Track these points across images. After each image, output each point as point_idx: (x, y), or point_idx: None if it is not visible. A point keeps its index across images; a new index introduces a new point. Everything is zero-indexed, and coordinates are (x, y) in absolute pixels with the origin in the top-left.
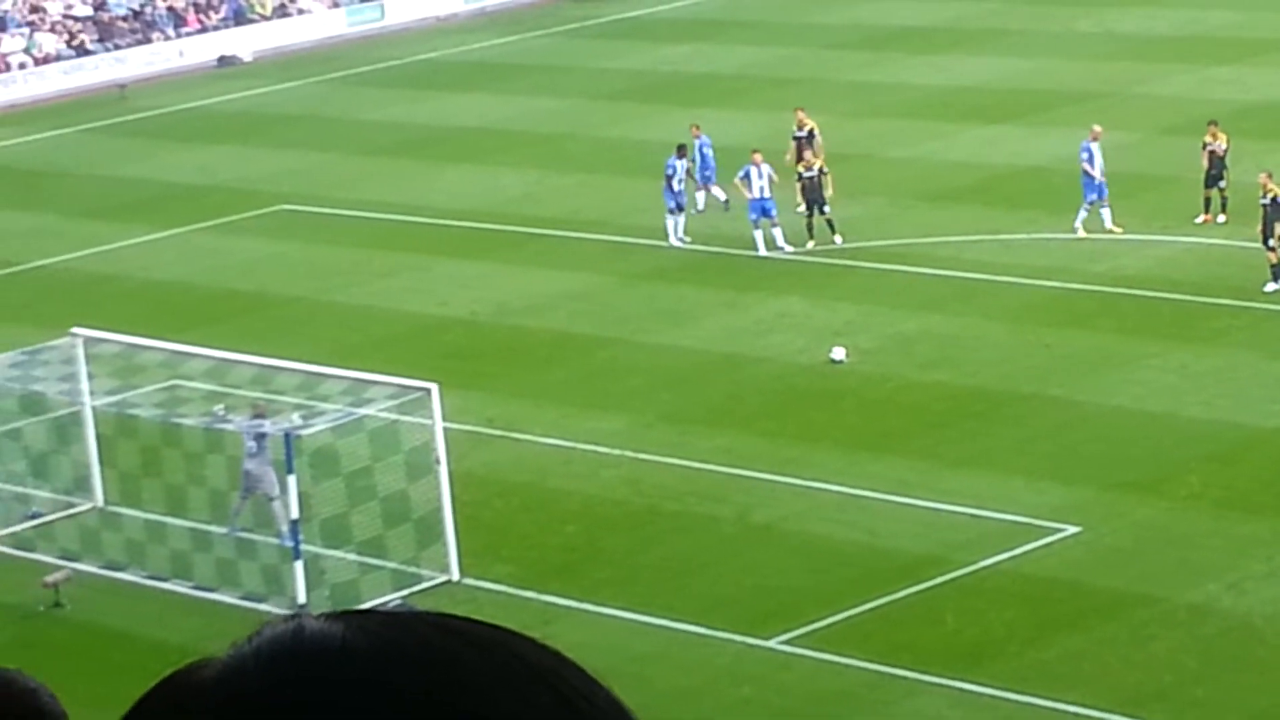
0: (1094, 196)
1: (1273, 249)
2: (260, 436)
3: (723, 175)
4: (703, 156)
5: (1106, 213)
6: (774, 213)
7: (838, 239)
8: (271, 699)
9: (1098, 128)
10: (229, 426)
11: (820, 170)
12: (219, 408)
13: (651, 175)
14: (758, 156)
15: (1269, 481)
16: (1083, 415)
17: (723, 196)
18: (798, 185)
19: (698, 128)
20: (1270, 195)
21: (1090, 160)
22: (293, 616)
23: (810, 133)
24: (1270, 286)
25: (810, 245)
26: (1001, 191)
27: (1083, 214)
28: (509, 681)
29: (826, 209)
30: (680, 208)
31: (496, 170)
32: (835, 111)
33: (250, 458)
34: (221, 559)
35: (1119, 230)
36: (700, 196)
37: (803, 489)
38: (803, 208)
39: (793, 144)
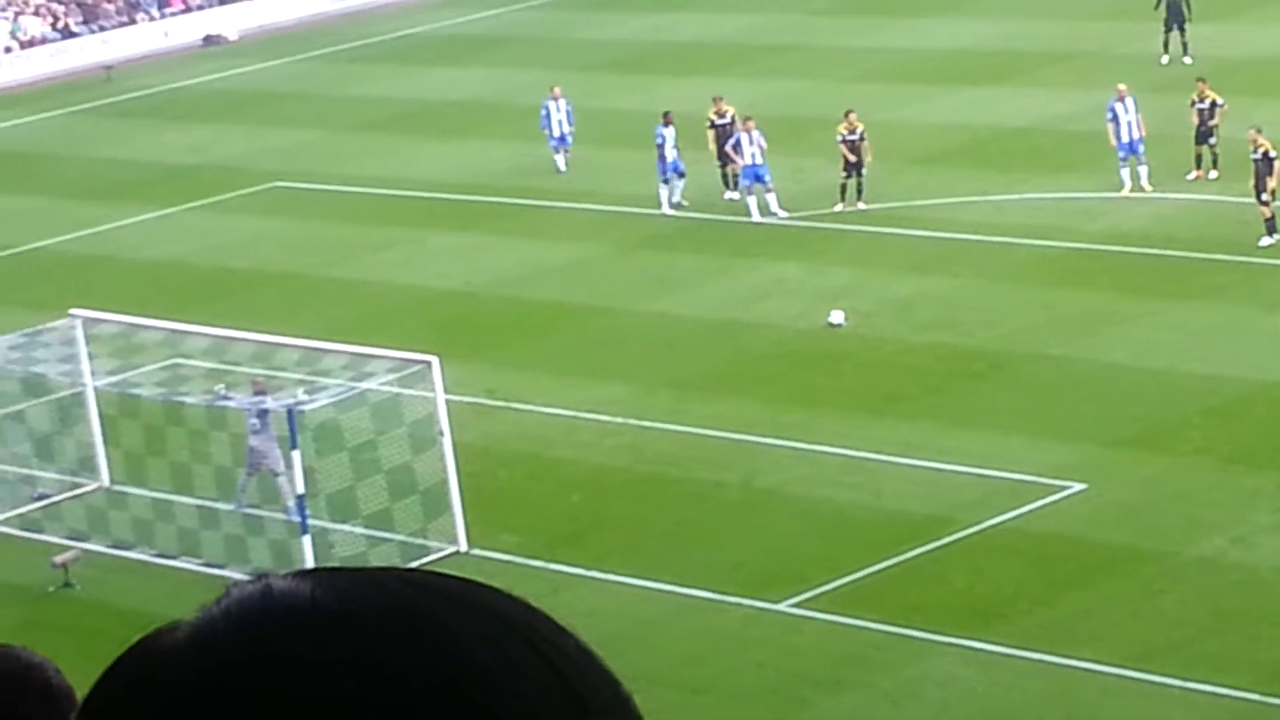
0: (1123, 154)
1: (1265, 203)
2: (263, 413)
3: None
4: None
5: (1143, 170)
6: (767, 178)
7: (861, 204)
8: (243, 660)
9: (1122, 86)
10: (231, 404)
11: (861, 134)
12: (220, 387)
13: (639, 145)
14: (750, 123)
15: (1271, 434)
16: (1082, 373)
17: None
18: (842, 147)
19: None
20: (1261, 150)
21: (1114, 120)
22: (260, 577)
23: (732, 118)
24: (1265, 241)
25: (837, 207)
26: (991, 153)
27: (1123, 171)
28: (482, 634)
29: (864, 172)
30: (680, 174)
31: (485, 143)
32: (823, 76)
33: (254, 434)
34: (229, 535)
35: (1150, 189)
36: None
37: (806, 453)
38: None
39: (710, 131)
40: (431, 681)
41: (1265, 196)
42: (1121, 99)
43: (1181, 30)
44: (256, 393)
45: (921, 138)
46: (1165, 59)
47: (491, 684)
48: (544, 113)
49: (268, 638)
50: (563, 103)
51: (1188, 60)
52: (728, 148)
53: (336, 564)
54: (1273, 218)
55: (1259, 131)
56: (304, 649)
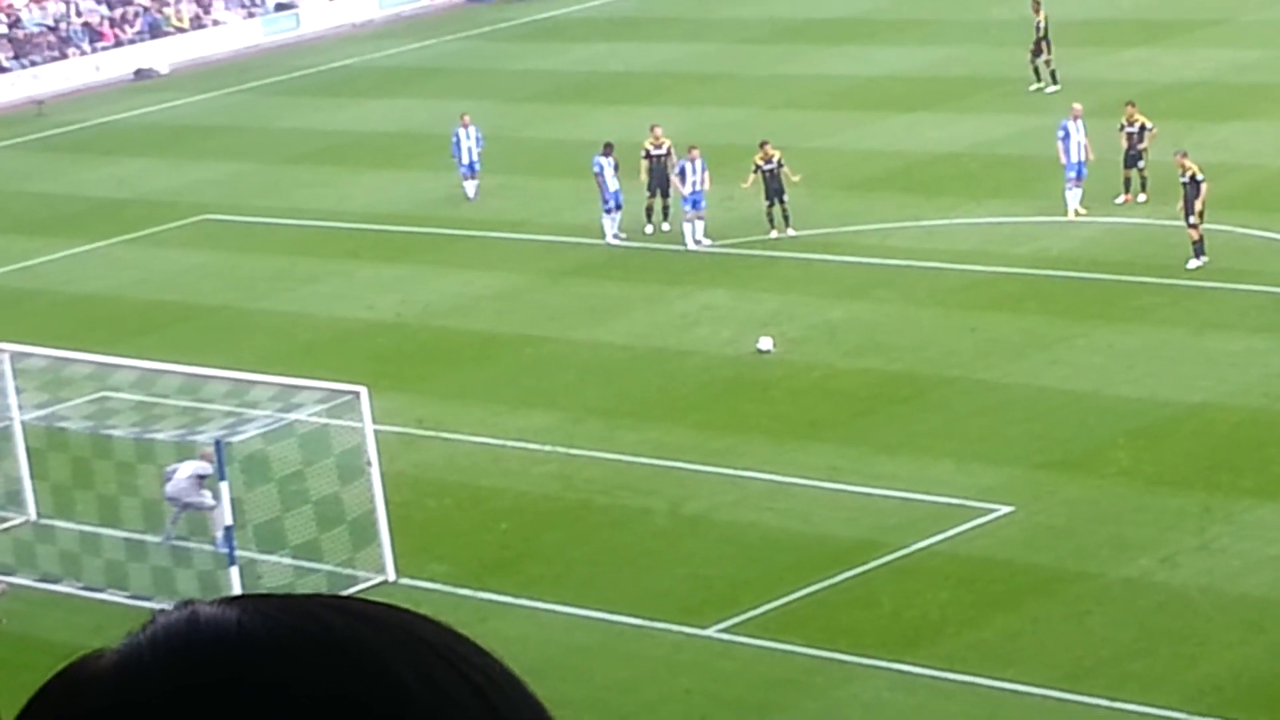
0: (1072, 174)
1: (1194, 226)
2: (201, 478)
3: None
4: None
5: (1079, 193)
6: (702, 205)
7: (790, 230)
8: (169, 688)
9: (1078, 106)
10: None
11: (779, 162)
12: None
13: (571, 174)
14: (694, 151)
15: (1197, 456)
16: (1010, 397)
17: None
18: (755, 176)
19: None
20: (1189, 174)
21: (1065, 139)
22: (186, 604)
23: (668, 149)
24: (1194, 263)
25: (772, 234)
26: (919, 179)
27: (1068, 193)
28: (408, 659)
29: (786, 199)
30: (618, 206)
31: (416, 174)
32: (752, 104)
33: (170, 483)
34: (157, 567)
35: (1084, 212)
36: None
37: (734, 479)
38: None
39: (644, 162)
40: (358, 707)
41: (1193, 219)
42: (1075, 118)
43: (1047, 58)
44: (203, 458)
45: (851, 164)
46: (1037, 87)
47: (417, 709)
48: (454, 140)
49: (194, 665)
50: (472, 130)
51: (1054, 88)
52: (673, 176)
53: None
54: (1200, 240)
55: (1184, 156)
56: (230, 676)
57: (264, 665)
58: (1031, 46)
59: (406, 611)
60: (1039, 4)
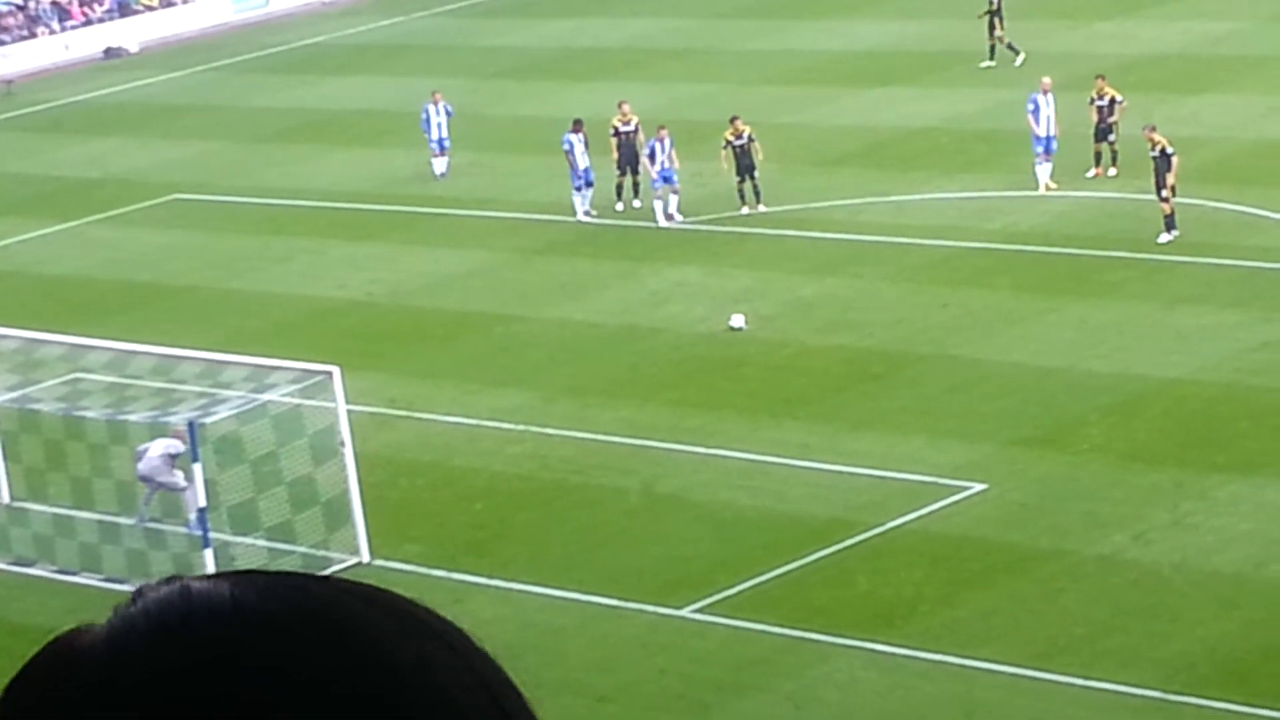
0: (1040, 148)
1: (1165, 200)
2: (173, 457)
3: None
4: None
5: (1049, 167)
6: (675, 180)
7: (761, 207)
8: (162, 664)
9: (1047, 80)
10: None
11: (750, 137)
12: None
13: (541, 151)
14: (663, 131)
15: (1169, 431)
16: (982, 373)
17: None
18: (726, 153)
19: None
20: (1159, 147)
21: (1035, 112)
22: (174, 579)
23: (636, 126)
24: (1164, 237)
25: (743, 210)
26: (891, 154)
27: (1038, 167)
28: (404, 636)
29: (756, 174)
30: (589, 183)
31: (387, 152)
32: (724, 80)
33: (142, 462)
34: (131, 550)
35: (1054, 186)
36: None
37: (707, 457)
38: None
39: (613, 139)
40: (358, 684)
41: (1164, 193)
42: (1045, 92)
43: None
44: (175, 436)
45: (823, 140)
46: (989, 64)
47: (418, 685)
48: (424, 116)
49: (192, 641)
50: (442, 106)
51: (1016, 61)
52: (643, 156)
53: None
54: (1172, 214)
55: (1153, 130)
56: (229, 652)
57: (257, 642)
58: (986, 22)
59: (393, 592)
60: None
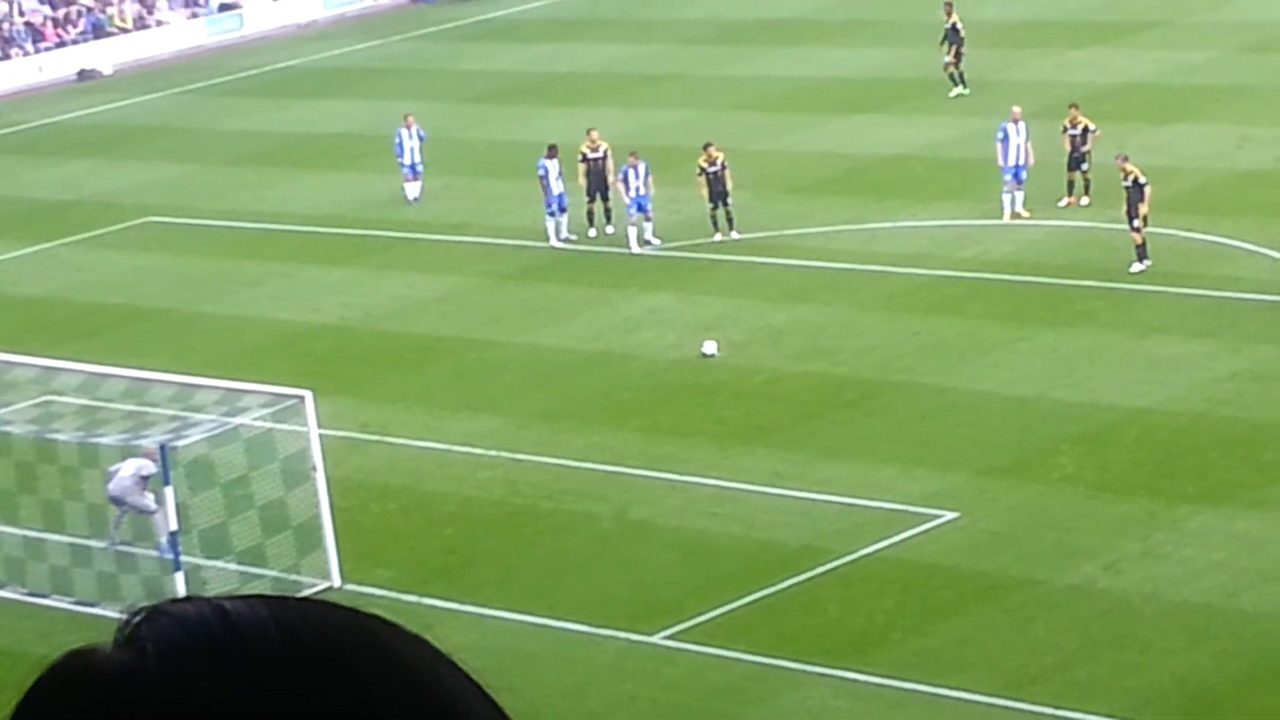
0: (1007, 178)
1: (1137, 229)
2: (145, 478)
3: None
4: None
5: (1019, 195)
6: (648, 207)
7: (734, 234)
8: (166, 677)
9: (1017, 109)
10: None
11: (722, 164)
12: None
13: (516, 176)
14: (635, 157)
15: (1140, 461)
16: (954, 401)
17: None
18: (700, 179)
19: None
20: (1131, 177)
21: (1004, 141)
22: (180, 600)
23: (605, 152)
24: (1136, 267)
25: (716, 237)
26: (865, 181)
27: (1005, 196)
28: (433, 668)
29: (729, 201)
30: (563, 209)
31: (361, 176)
32: (698, 106)
33: (113, 481)
34: (102, 573)
35: (1026, 215)
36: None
37: (679, 484)
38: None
39: (580, 165)
40: (417, 712)
41: (1137, 223)
42: (1015, 121)
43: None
44: (146, 456)
45: (796, 166)
46: (955, 91)
47: (463, 711)
48: (397, 140)
49: (245, 665)
50: (415, 130)
51: (957, 92)
52: (616, 182)
53: None
54: (1144, 244)
55: (1126, 159)
56: (280, 679)
57: (315, 670)
58: (949, 52)
59: (376, 616)
60: (951, 7)
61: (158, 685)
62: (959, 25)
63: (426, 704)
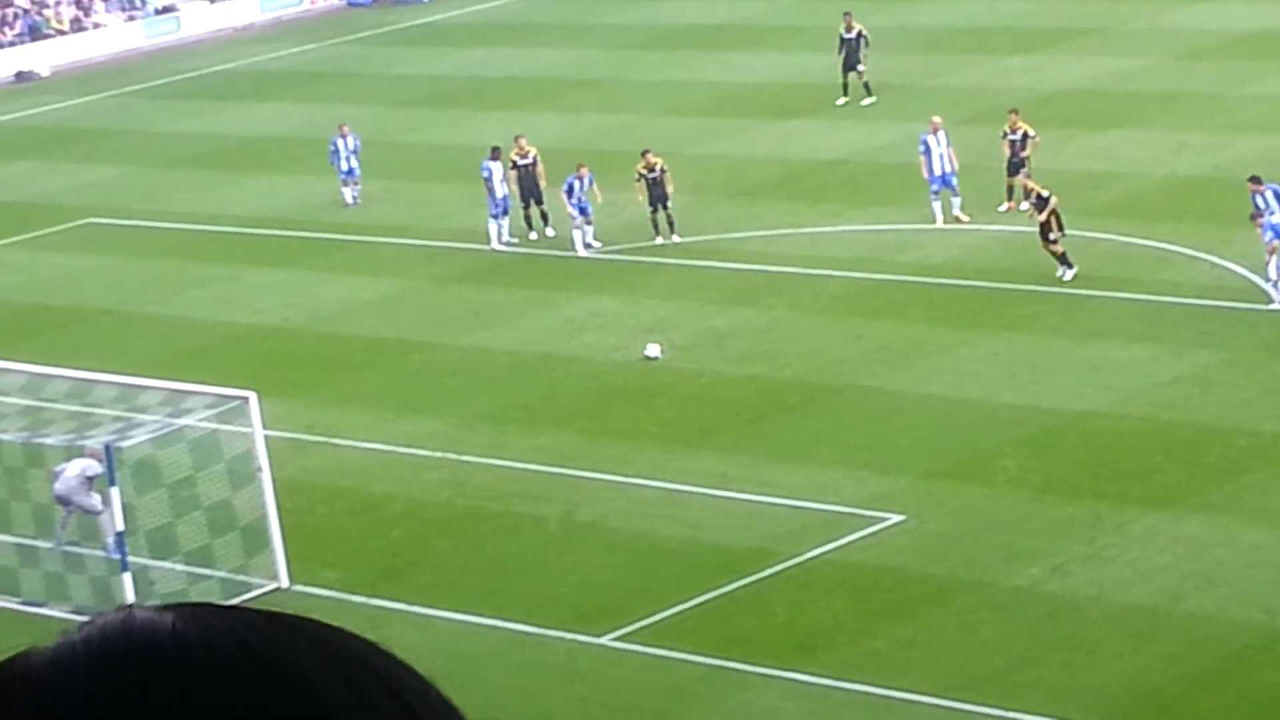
0: (936, 186)
1: (1054, 242)
2: (90, 479)
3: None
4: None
5: (956, 200)
6: (590, 211)
7: (675, 237)
8: (101, 684)
9: (936, 119)
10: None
11: (662, 169)
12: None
13: (455, 179)
14: (583, 170)
15: (1083, 464)
16: (897, 405)
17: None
18: (639, 184)
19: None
20: (1033, 193)
21: (926, 153)
22: (125, 608)
23: (534, 158)
24: (1067, 274)
25: (658, 240)
26: (803, 185)
27: (935, 204)
28: (339, 674)
29: (669, 205)
30: (505, 212)
31: (301, 179)
32: (635, 110)
33: (59, 481)
34: (49, 573)
35: (966, 219)
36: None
37: (624, 486)
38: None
39: (512, 172)
40: (281, 714)
41: (1053, 236)
42: (935, 131)
43: (858, 72)
44: (91, 456)
45: (735, 171)
46: (843, 100)
47: (342, 711)
48: (332, 149)
49: (123, 673)
50: (350, 139)
51: (867, 101)
52: (560, 192)
53: (158, 600)
54: (1064, 252)
55: (1028, 177)
56: (157, 685)
57: (195, 673)
58: (841, 60)
59: (344, 630)
60: (851, 18)
61: (40, 691)
62: (865, 34)
63: (296, 705)
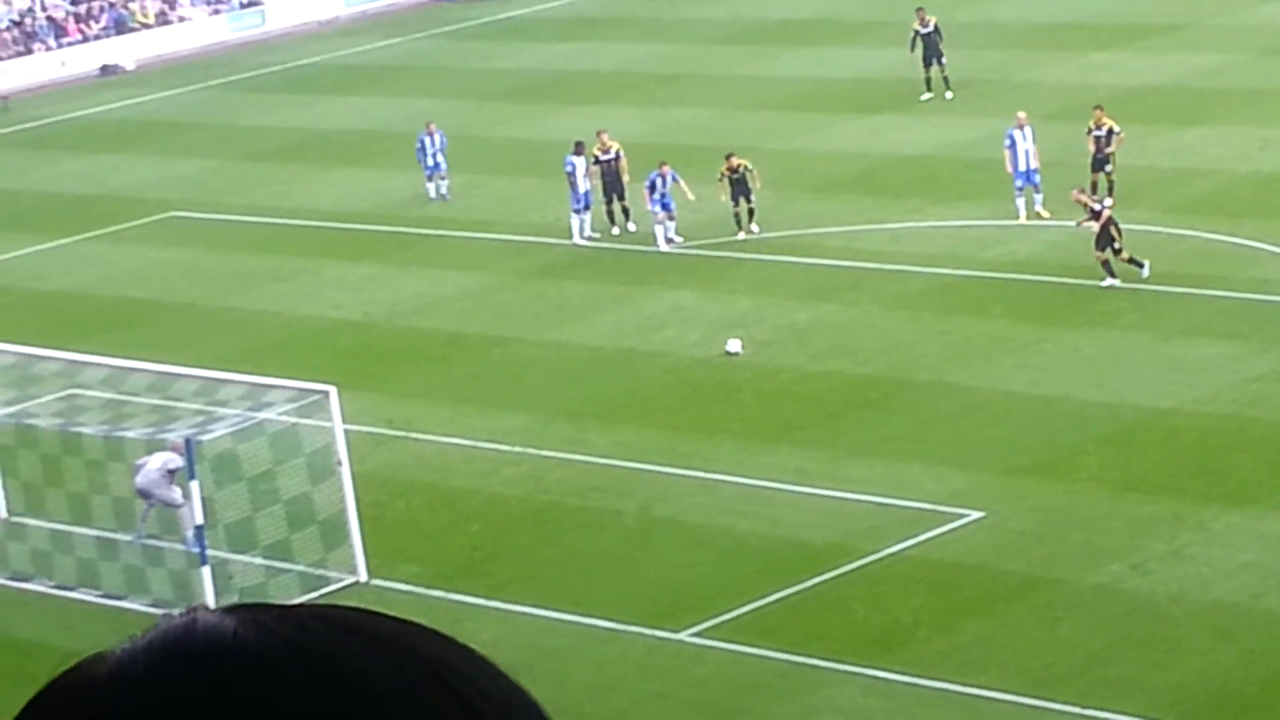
0: (1020, 182)
1: (1118, 250)
2: (171, 472)
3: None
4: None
5: (1038, 197)
6: (673, 206)
7: (754, 226)
8: (156, 696)
9: (1022, 114)
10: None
11: (745, 168)
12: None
13: (537, 173)
14: (665, 168)
15: (1164, 461)
16: (978, 401)
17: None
18: (722, 184)
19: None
20: (1088, 208)
21: (1012, 147)
22: (189, 610)
23: (616, 153)
24: (1107, 282)
25: (740, 235)
26: (885, 181)
27: (1019, 200)
28: (400, 679)
29: (753, 198)
30: (587, 206)
31: (383, 172)
32: (718, 105)
33: (140, 474)
34: (129, 566)
35: (1047, 215)
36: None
37: (704, 481)
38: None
39: (594, 167)
40: (336, 717)
41: (1118, 244)
42: (1020, 127)
43: (940, 65)
44: (172, 449)
45: (818, 166)
46: (927, 95)
47: (399, 715)
48: (419, 146)
49: (183, 675)
50: (437, 136)
51: (949, 96)
52: (643, 188)
53: (236, 595)
54: (1107, 262)
55: (1081, 192)
56: (217, 688)
57: (250, 678)
58: (920, 55)
59: (414, 627)
60: (923, 12)
61: (105, 694)
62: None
63: (352, 709)
